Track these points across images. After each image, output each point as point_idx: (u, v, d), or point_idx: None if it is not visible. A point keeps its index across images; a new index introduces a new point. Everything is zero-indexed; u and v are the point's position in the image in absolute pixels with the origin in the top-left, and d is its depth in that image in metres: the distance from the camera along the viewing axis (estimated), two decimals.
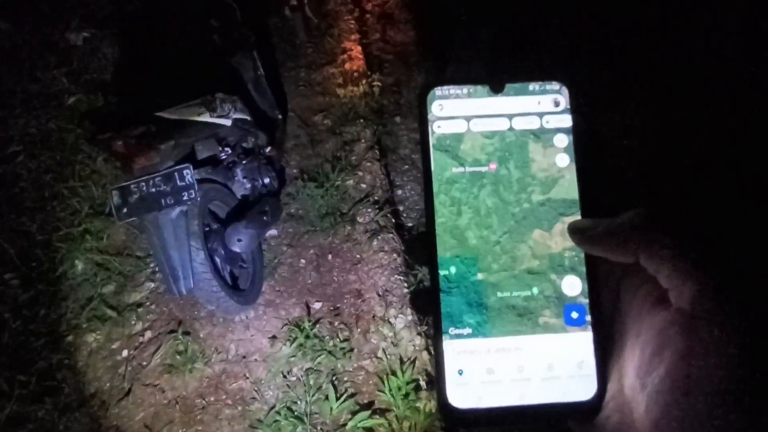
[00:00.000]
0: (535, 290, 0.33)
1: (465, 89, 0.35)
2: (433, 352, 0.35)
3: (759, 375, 0.24)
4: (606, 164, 2.35)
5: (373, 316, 2.02)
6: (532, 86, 0.35)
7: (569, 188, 0.34)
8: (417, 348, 1.91)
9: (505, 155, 0.34)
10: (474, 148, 0.35)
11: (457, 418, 0.32)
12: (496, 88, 0.35)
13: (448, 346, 0.33)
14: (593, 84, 2.42)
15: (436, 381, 0.33)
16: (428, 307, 0.33)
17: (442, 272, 0.33)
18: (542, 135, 0.35)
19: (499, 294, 0.33)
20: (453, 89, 0.35)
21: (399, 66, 3.03)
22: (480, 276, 0.33)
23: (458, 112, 0.35)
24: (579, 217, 0.34)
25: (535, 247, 0.34)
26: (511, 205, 0.34)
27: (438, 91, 0.35)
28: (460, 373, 0.32)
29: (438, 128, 0.35)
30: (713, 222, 0.28)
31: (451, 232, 0.34)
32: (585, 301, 0.33)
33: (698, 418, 0.25)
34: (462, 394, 0.32)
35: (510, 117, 0.35)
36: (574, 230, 0.33)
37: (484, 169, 0.34)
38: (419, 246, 2.21)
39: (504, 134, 0.35)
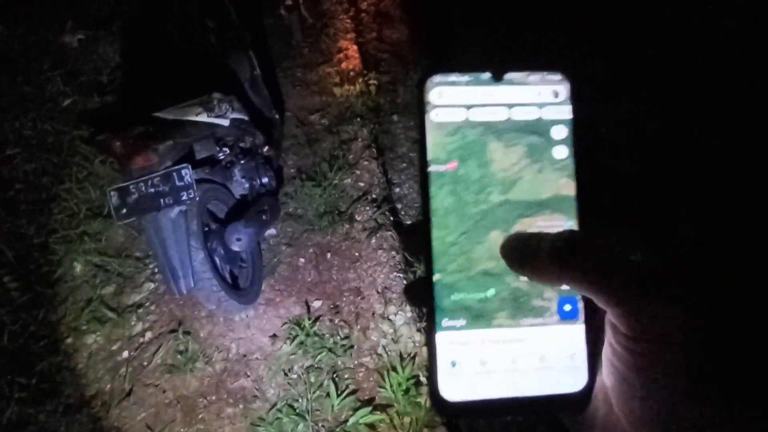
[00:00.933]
0: (491, 292, 0.33)
1: (465, 77, 0.34)
2: (426, 344, 0.35)
3: (692, 382, 0.27)
4: (603, 159, 2.37)
5: (373, 313, 2.03)
6: (533, 76, 0.35)
7: (528, 189, 0.34)
8: (417, 344, 1.92)
9: (465, 154, 0.34)
10: (436, 146, 0.34)
11: (450, 409, 0.32)
12: (497, 77, 0.35)
13: (441, 337, 0.32)
14: (591, 78, 2.43)
15: (428, 372, 0.33)
16: (422, 298, 0.33)
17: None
18: (539, 126, 0.35)
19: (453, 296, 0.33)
20: (453, 77, 0.34)
21: (395, 64, 3.04)
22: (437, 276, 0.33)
23: (457, 100, 0.34)
24: (538, 219, 0.34)
25: (492, 248, 0.33)
26: (469, 206, 0.33)
27: (438, 77, 0.34)
28: (453, 364, 0.32)
29: (436, 116, 0.34)
30: (633, 240, 0.30)
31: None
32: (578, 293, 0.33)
33: (660, 418, 0.27)
34: (455, 386, 0.32)
35: (509, 106, 0.34)
36: (502, 253, 0.33)
37: (443, 168, 0.34)
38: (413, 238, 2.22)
39: (465, 132, 0.34)
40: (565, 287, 0.33)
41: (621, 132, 2.48)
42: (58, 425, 1.90)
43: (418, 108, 0.34)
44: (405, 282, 2.11)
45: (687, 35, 2.60)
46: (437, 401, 0.32)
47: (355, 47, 3.12)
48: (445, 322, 0.33)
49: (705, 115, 2.38)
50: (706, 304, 0.27)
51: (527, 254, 0.32)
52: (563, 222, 0.34)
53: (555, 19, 2.79)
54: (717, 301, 0.27)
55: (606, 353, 0.30)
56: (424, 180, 0.34)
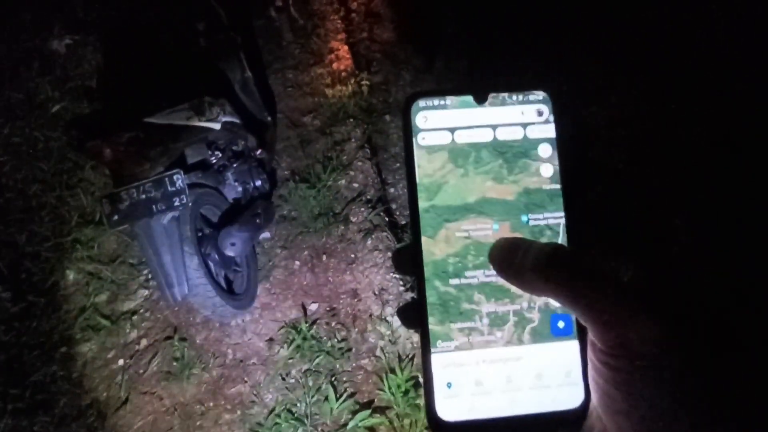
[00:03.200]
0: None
1: (449, 100, 0.35)
2: (421, 366, 0.35)
3: (669, 397, 0.26)
4: (594, 156, 2.37)
5: (370, 315, 2.02)
6: (516, 96, 0.35)
7: (453, 194, 0.34)
8: (415, 345, 1.91)
9: None
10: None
11: (447, 430, 0.32)
12: (480, 99, 0.35)
13: (436, 358, 0.33)
14: (583, 75, 2.43)
15: (424, 395, 0.33)
16: (415, 320, 0.33)
17: (429, 287, 0.33)
18: (525, 145, 0.35)
19: None
20: (437, 100, 0.35)
21: (387, 64, 3.02)
22: None
23: (442, 123, 0.35)
24: (463, 223, 0.34)
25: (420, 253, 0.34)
26: None
27: (422, 102, 0.35)
28: (449, 385, 0.32)
29: (423, 140, 0.35)
30: (614, 258, 0.30)
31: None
32: None
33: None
34: (451, 407, 0.32)
35: (494, 127, 0.35)
36: (490, 258, 0.33)
37: None
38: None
39: None
40: (552, 301, 0.33)
41: (613, 129, 2.48)
42: None
43: (405, 133, 0.35)
44: (401, 283, 2.10)
45: (680, 33, 2.60)
46: (434, 422, 0.32)
47: (346, 48, 3.11)
48: (440, 343, 0.33)
49: (700, 111, 2.39)
50: (687, 319, 0.27)
51: (512, 264, 0.32)
52: (489, 224, 0.34)
53: (548, 15, 2.79)
54: (699, 315, 0.27)
55: (589, 370, 0.31)
56: (413, 204, 0.34)
